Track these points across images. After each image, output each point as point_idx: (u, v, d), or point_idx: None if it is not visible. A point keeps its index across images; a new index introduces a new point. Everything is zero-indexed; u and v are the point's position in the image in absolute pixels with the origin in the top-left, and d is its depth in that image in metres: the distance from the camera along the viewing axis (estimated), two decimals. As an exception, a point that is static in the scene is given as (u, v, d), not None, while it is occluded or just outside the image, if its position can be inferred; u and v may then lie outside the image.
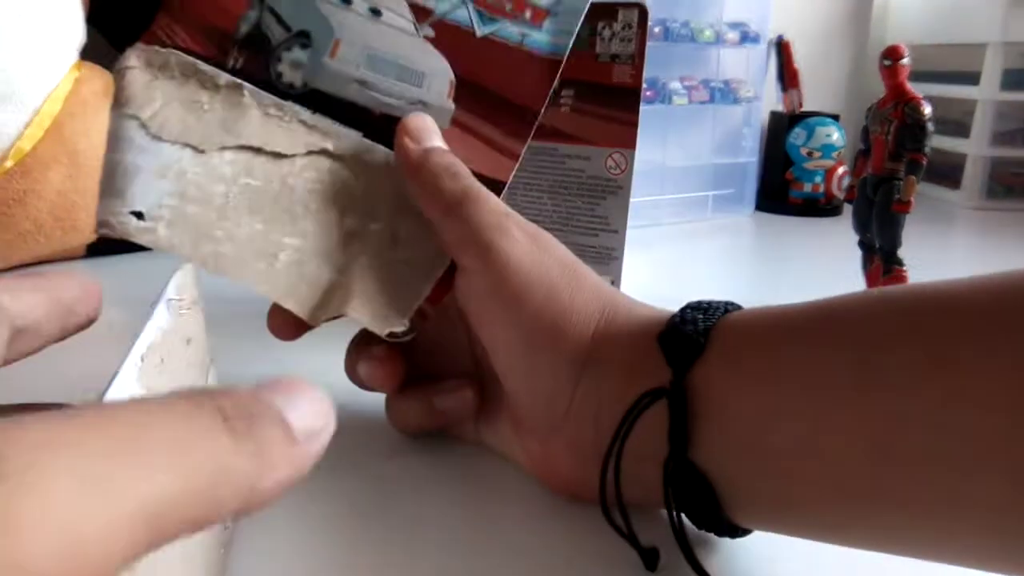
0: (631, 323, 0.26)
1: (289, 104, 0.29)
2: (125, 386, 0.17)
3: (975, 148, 0.88)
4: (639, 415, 0.23)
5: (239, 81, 0.29)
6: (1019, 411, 0.17)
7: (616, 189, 0.42)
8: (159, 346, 0.20)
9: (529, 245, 0.27)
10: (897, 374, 0.19)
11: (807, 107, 0.88)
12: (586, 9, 0.32)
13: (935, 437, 0.18)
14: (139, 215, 0.26)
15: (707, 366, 0.23)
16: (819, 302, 0.23)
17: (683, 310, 0.25)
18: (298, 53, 0.30)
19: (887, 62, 0.45)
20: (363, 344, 0.30)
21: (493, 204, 0.28)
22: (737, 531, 0.24)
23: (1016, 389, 0.17)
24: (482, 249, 0.27)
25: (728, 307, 0.25)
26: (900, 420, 0.19)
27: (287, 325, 0.29)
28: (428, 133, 0.29)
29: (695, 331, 0.24)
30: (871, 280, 0.48)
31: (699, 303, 0.25)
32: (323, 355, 0.31)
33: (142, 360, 0.18)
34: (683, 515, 0.23)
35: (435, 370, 0.30)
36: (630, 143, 0.42)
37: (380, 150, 0.29)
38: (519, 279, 0.26)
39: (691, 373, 0.23)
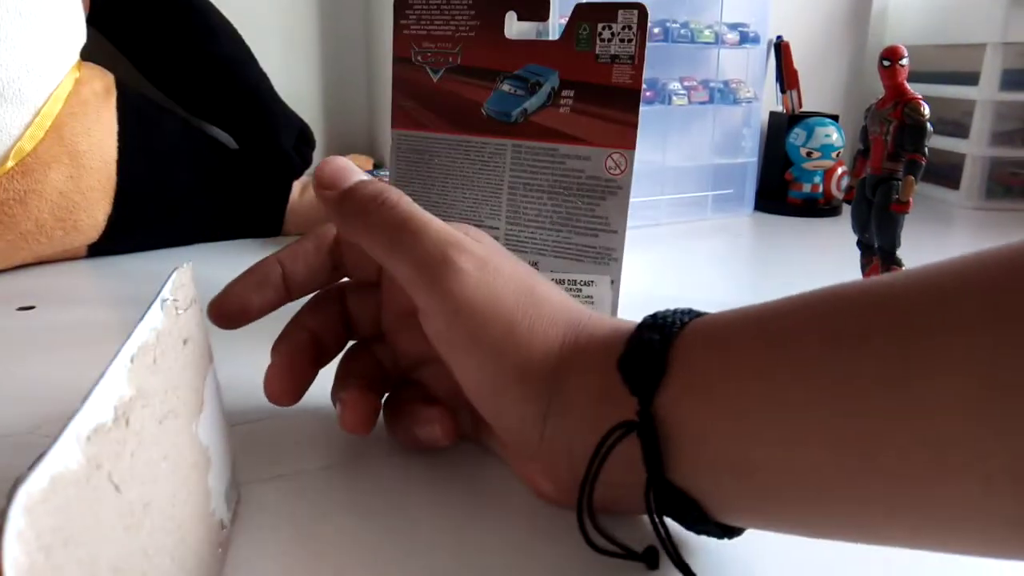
0: (593, 346, 0.25)
1: None
2: (113, 387, 0.17)
3: (974, 148, 0.88)
4: (611, 449, 0.22)
5: None
6: (987, 413, 0.17)
7: (616, 189, 0.42)
8: (152, 346, 0.19)
9: (479, 274, 0.25)
10: (869, 376, 0.18)
11: (806, 107, 0.88)
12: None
13: (913, 444, 0.18)
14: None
15: (672, 389, 0.22)
16: (779, 301, 0.22)
17: (640, 328, 0.24)
18: None
19: (886, 62, 0.45)
20: (336, 386, 0.30)
21: (435, 233, 0.26)
22: (731, 531, 0.23)
23: (986, 388, 0.17)
24: (429, 290, 0.25)
25: (683, 319, 0.24)
26: (876, 428, 0.18)
27: (286, 394, 0.29)
28: (345, 173, 0.27)
29: (652, 352, 0.22)
30: (870, 280, 0.48)
31: (655, 318, 0.24)
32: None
33: (132, 361, 0.18)
34: (669, 521, 0.23)
35: (431, 382, 0.30)
36: (630, 143, 0.42)
37: None
38: (472, 320, 0.25)
39: (657, 398, 0.22)
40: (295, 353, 0.29)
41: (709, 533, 0.23)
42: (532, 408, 0.25)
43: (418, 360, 0.30)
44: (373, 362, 0.31)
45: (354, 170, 0.28)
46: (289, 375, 0.29)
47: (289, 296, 0.30)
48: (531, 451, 0.25)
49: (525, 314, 0.25)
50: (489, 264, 0.26)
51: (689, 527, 0.23)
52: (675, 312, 0.24)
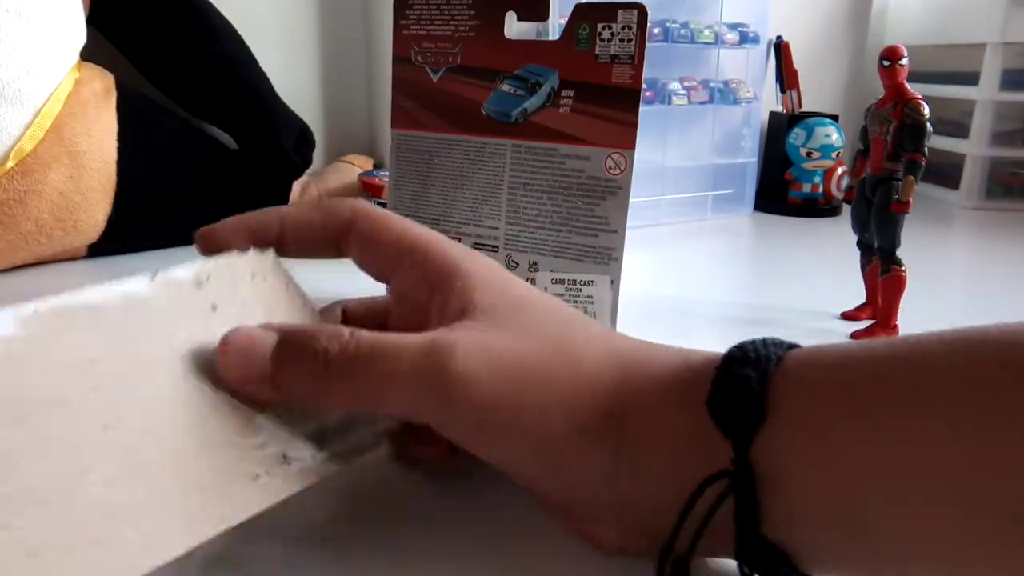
0: (662, 381, 0.22)
1: None
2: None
3: (974, 148, 0.88)
4: (698, 497, 0.20)
5: None
6: None
7: (616, 189, 0.42)
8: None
9: (484, 357, 0.22)
10: (998, 423, 0.17)
11: (806, 107, 0.88)
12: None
13: None
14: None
15: (772, 434, 0.19)
16: (890, 343, 0.20)
17: (729, 363, 0.21)
18: None
19: (886, 62, 0.45)
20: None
21: (411, 345, 0.21)
22: None
23: None
24: (437, 412, 0.22)
25: (777, 352, 0.21)
26: (1004, 477, 0.16)
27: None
28: (253, 345, 0.22)
29: (751, 393, 0.20)
30: (869, 280, 0.48)
31: (744, 350, 0.21)
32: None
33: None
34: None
35: None
36: (630, 143, 0.42)
37: None
38: (499, 413, 0.21)
39: (754, 444, 0.19)
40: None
41: None
42: (598, 463, 0.22)
43: None
44: None
45: (255, 336, 0.22)
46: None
47: (280, 255, 0.28)
48: (597, 510, 0.22)
49: (561, 362, 0.22)
50: (490, 335, 0.22)
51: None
52: (765, 343, 0.21)
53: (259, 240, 0.27)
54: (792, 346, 0.22)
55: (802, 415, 0.19)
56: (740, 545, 0.20)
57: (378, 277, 0.28)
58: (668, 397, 0.22)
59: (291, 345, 0.22)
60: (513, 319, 0.23)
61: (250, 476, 0.21)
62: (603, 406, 0.22)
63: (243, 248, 0.26)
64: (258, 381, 0.22)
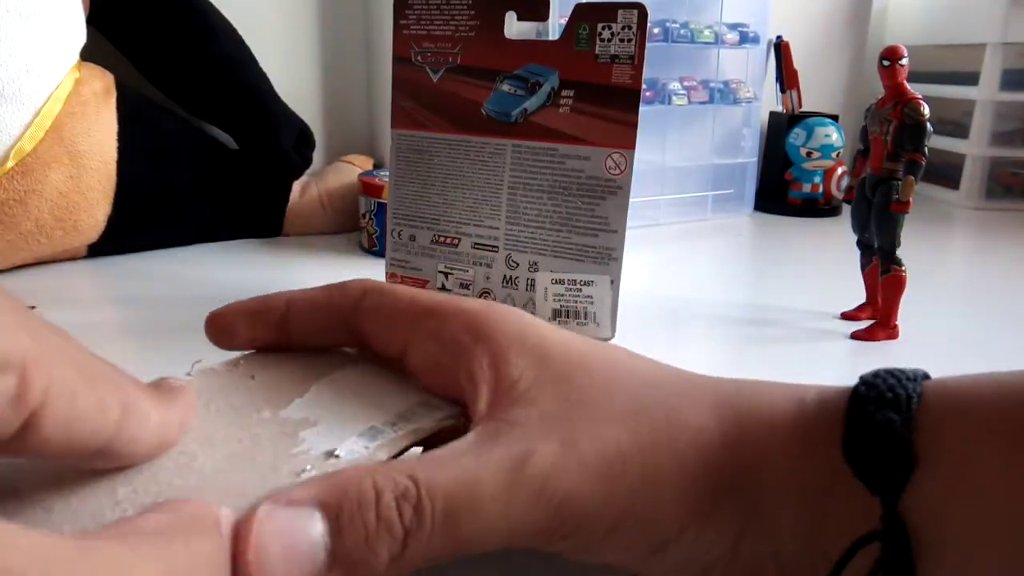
0: (778, 430, 0.19)
1: None
2: None
3: (974, 148, 0.88)
4: (848, 560, 0.18)
5: None
6: None
7: (616, 189, 0.42)
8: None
9: (583, 474, 0.19)
10: None
11: (806, 107, 0.88)
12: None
13: None
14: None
15: (925, 486, 0.17)
16: None
17: (861, 402, 0.19)
18: None
19: (886, 62, 0.45)
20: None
21: (490, 490, 0.18)
22: None
23: None
24: (533, 545, 0.19)
25: (915, 388, 0.18)
26: None
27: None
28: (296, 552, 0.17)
29: (898, 440, 0.17)
30: (869, 280, 0.48)
31: (876, 388, 0.19)
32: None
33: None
34: None
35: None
36: (630, 143, 0.42)
37: None
38: (601, 524, 0.19)
39: (903, 498, 0.17)
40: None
41: None
42: (717, 538, 0.19)
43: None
44: None
45: (292, 519, 0.17)
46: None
47: (286, 340, 0.25)
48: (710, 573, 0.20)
49: (656, 439, 0.19)
50: (567, 427, 0.19)
51: None
52: (896, 377, 0.19)
53: (260, 325, 0.25)
54: (925, 376, 0.19)
55: (957, 463, 0.17)
56: None
57: (396, 353, 0.25)
58: (791, 446, 0.19)
59: (351, 521, 0.17)
60: (583, 393, 0.20)
61: (295, 472, 0.20)
62: (716, 474, 0.19)
63: (252, 339, 0.25)
64: (311, 572, 0.17)
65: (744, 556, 0.19)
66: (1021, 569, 0.16)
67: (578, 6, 0.42)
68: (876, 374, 0.19)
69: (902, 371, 0.19)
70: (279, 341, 0.25)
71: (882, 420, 0.18)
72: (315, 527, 0.17)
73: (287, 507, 0.17)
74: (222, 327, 0.25)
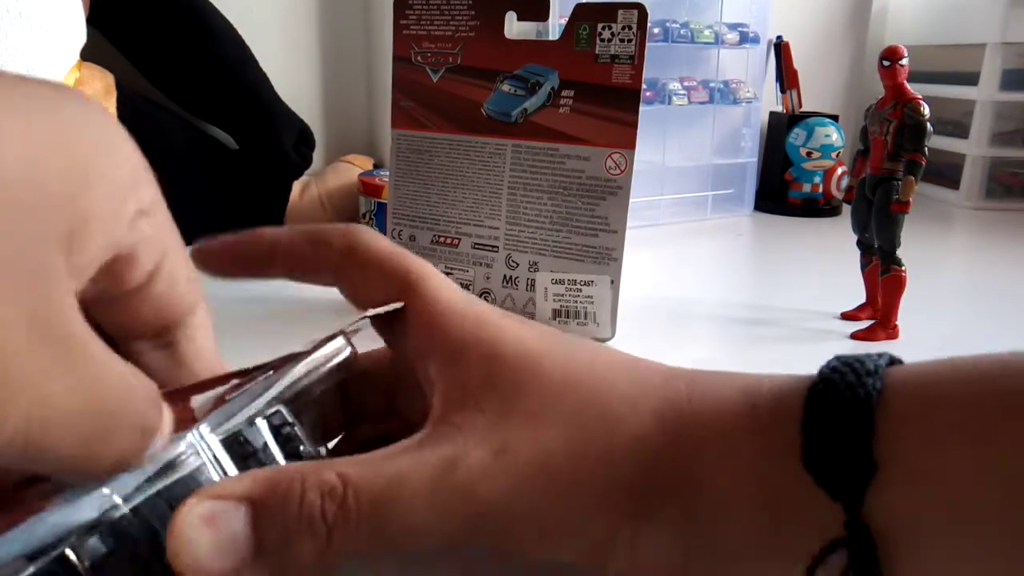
0: (727, 430, 0.19)
1: None
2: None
3: (974, 148, 0.88)
4: (815, 569, 0.17)
5: None
6: None
7: (616, 189, 0.42)
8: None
9: (513, 479, 0.19)
10: None
11: (806, 107, 0.88)
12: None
13: None
14: None
15: (887, 487, 0.16)
16: (998, 359, 0.17)
17: (819, 396, 0.18)
18: None
19: (886, 62, 0.45)
20: None
21: (418, 490, 0.18)
22: None
23: None
24: (464, 542, 0.19)
25: (875, 383, 0.17)
26: None
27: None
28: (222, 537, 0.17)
29: (857, 440, 0.17)
30: (869, 280, 0.48)
31: (832, 384, 0.18)
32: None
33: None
34: None
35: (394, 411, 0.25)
36: (630, 143, 0.42)
37: None
38: (531, 530, 0.19)
39: (866, 502, 0.16)
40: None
41: None
42: (661, 543, 0.19)
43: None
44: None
45: (216, 510, 0.17)
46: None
47: (270, 277, 0.25)
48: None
49: (587, 443, 0.19)
50: (502, 433, 0.19)
51: None
52: (854, 370, 0.18)
53: (243, 264, 0.24)
54: (890, 361, 0.18)
55: (919, 462, 0.16)
56: None
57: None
58: (742, 452, 0.18)
59: (274, 516, 0.18)
60: (528, 398, 0.20)
61: None
62: (653, 486, 0.19)
63: (230, 273, 0.24)
64: (233, 568, 0.17)
65: (696, 571, 0.19)
66: (997, 567, 0.15)
67: (578, 6, 0.42)
68: (835, 368, 0.18)
69: (863, 363, 0.18)
70: (263, 277, 0.25)
71: (840, 425, 0.17)
72: (239, 520, 0.17)
73: (213, 500, 0.17)
74: (206, 261, 0.24)
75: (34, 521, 0.15)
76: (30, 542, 0.15)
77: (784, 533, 0.17)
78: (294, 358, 0.22)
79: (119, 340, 0.18)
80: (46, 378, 0.13)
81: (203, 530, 0.17)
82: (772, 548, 0.18)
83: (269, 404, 0.21)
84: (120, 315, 0.17)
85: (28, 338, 0.13)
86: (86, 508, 0.16)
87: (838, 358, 0.19)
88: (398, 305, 0.23)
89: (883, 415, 0.17)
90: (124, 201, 0.16)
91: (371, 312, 0.22)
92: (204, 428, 0.19)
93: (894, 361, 0.19)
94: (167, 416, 0.17)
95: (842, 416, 0.17)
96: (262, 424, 0.21)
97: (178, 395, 0.19)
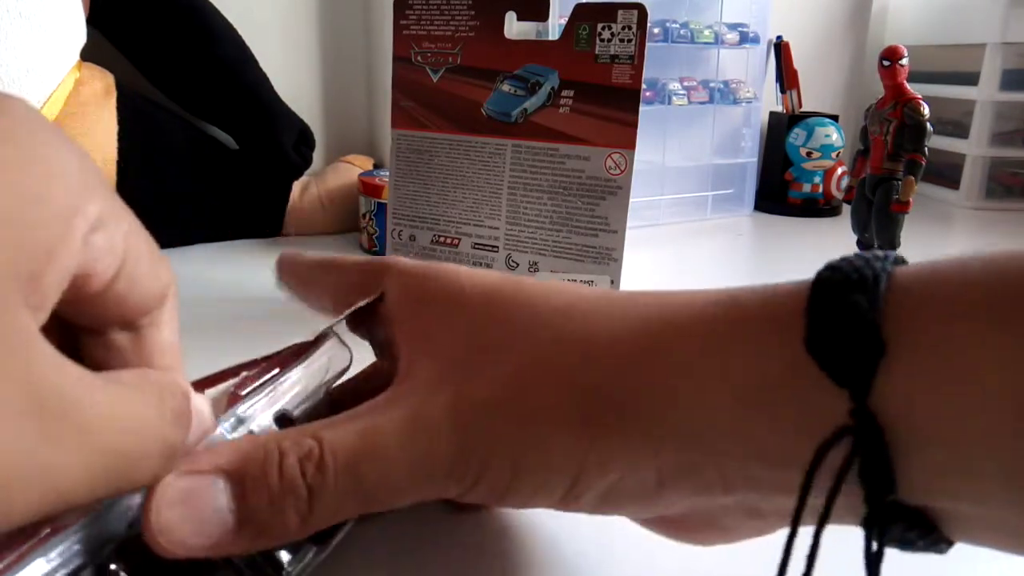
0: (712, 320, 0.18)
1: None
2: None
3: (974, 148, 0.88)
4: (818, 465, 0.16)
5: None
6: None
7: (616, 189, 0.42)
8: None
9: (484, 421, 0.18)
10: None
11: (806, 107, 0.88)
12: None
13: None
14: None
15: (895, 373, 0.15)
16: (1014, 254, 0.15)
17: (825, 287, 0.16)
18: None
19: (886, 62, 0.45)
20: None
21: (393, 444, 0.18)
22: (941, 545, 0.17)
23: None
24: (445, 495, 0.19)
25: (885, 268, 0.16)
26: None
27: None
28: (200, 511, 0.17)
29: (864, 322, 0.15)
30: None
31: (839, 271, 0.17)
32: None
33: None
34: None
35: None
36: (630, 143, 0.42)
37: None
38: (504, 473, 0.19)
39: (873, 389, 0.15)
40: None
41: (919, 550, 0.17)
42: (627, 454, 0.18)
43: None
44: None
45: (197, 482, 0.17)
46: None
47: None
48: (646, 506, 0.19)
49: (540, 350, 0.19)
50: (467, 378, 0.19)
51: (906, 550, 0.17)
52: (865, 258, 0.17)
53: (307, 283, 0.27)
54: (898, 260, 0.17)
55: (932, 346, 0.15)
56: (870, 513, 0.15)
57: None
58: (729, 340, 0.17)
59: (254, 486, 0.17)
60: (487, 332, 0.20)
61: None
62: (619, 385, 0.18)
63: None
64: (219, 540, 0.17)
65: (676, 475, 0.18)
66: (1001, 451, 0.14)
67: (578, 6, 0.42)
68: (844, 257, 0.17)
69: (875, 253, 0.17)
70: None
71: (848, 303, 0.16)
72: (219, 493, 0.17)
73: (188, 476, 0.17)
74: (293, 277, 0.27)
75: (65, 535, 0.15)
76: (66, 555, 0.15)
77: (778, 427, 0.16)
78: (297, 353, 0.22)
79: (84, 332, 0.18)
80: (52, 455, 0.13)
81: (180, 507, 0.17)
82: (760, 443, 0.16)
83: (276, 403, 0.21)
84: (81, 315, 0.17)
85: (22, 420, 0.12)
86: (114, 521, 0.17)
87: (845, 255, 0.18)
88: (377, 296, 0.23)
89: (893, 296, 0.16)
90: (71, 224, 0.14)
91: (355, 306, 0.23)
92: (226, 429, 0.20)
93: (903, 261, 0.17)
94: (203, 408, 0.18)
95: (850, 296, 0.16)
96: (272, 426, 0.21)
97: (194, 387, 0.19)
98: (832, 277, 0.16)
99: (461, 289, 0.21)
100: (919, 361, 0.15)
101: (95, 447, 0.14)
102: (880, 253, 0.17)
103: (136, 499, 0.17)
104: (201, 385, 0.20)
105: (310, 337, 0.23)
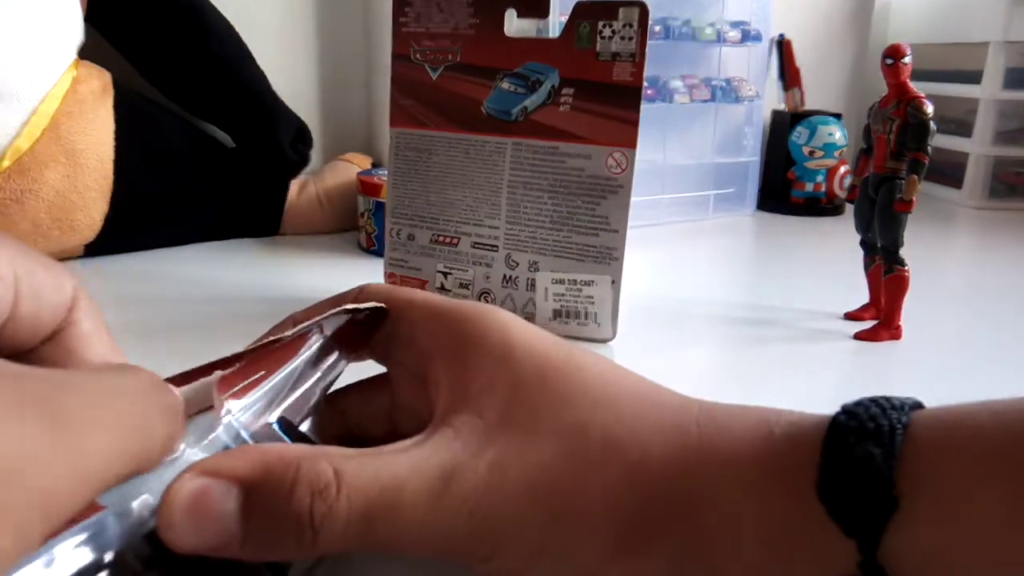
0: (741, 462, 0.18)
1: None
2: None
3: (977, 147, 0.87)
4: None
5: None
6: None
7: (617, 188, 0.42)
8: None
9: (506, 495, 0.18)
10: None
11: (809, 106, 0.88)
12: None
13: None
14: None
15: (908, 528, 0.15)
16: None
17: (840, 433, 0.17)
18: None
19: (889, 61, 0.44)
20: None
21: (410, 500, 0.18)
22: None
23: None
24: (450, 558, 0.18)
25: (901, 419, 0.16)
26: None
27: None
28: (208, 521, 0.17)
29: (877, 477, 0.15)
30: (873, 280, 0.48)
31: (857, 417, 0.17)
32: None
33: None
34: None
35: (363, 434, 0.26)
36: (631, 142, 0.41)
37: None
38: (522, 552, 0.18)
39: (883, 541, 0.15)
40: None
41: None
42: (647, 566, 0.18)
43: None
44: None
45: (209, 490, 0.17)
46: None
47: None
48: None
49: (582, 465, 0.18)
50: (500, 446, 0.18)
51: None
52: (880, 406, 0.17)
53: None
54: (916, 405, 0.17)
55: (947, 503, 0.15)
56: None
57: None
58: (751, 479, 0.17)
59: (263, 504, 0.17)
60: (530, 405, 0.19)
61: None
62: (652, 510, 0.18)
63: None
64: (223, 545, 0.17)
65: None
66: None
67: (579, 4, 0.42)
68: (859, 402, 0.17)
69: (889, 400, 0.17)
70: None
71: (861, 454, 0.16)
72: (229, 502, 0.17)
73: (206, 477, 0.17)
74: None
75: (82, 527, 0.15)
76: (96, 541, 0.15)
77: (789, 570, 0.16)
78: (277, 350, 0.22)
79: (15, 358, 0.17)
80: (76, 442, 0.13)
81: (193, 506, 0.16)
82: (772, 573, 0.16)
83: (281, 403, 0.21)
84: (3, 346, 0.17)
85: (39, 424, 0.13)
86: (132, 513, 0.17)
87: (861, 399, 0.18)
88: (379, 304, 0.23)
89: (909, 449, 0.16)
90: None
91: (348, 307, 0.22)
92: (239, 428, 0.19)
93: (920, 405, 0.18)
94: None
95: (864, 447, 0.16)
96: (277, 425, 0.21)
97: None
98: (848, 424, 0.17)
99: (511, 348, 0.20)
100: (934, 520, 0.15)
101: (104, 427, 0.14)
102: (897, 401, 0.17)
103: (147, 497, 0.17)
104: (172, 383, 0.20)
105: (287, 332, 0.22)
